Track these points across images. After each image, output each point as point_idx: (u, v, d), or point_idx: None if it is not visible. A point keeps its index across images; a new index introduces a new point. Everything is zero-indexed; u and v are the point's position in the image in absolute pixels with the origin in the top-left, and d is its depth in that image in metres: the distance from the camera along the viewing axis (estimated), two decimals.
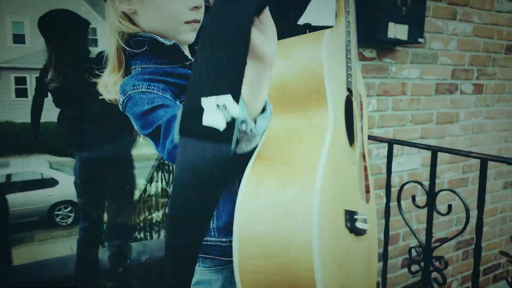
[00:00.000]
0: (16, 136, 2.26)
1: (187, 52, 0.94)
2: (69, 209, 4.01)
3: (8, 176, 2.83)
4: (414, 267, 1.72)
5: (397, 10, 2.10)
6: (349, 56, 1.00)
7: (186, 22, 0.88)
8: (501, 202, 3.16)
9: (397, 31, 2.12)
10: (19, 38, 2.33)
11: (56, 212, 3.74)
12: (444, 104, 2.66)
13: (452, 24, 2.60)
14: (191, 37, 0.92)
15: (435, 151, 1.59)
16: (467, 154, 1.51)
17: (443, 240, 1.60)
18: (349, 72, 1.00)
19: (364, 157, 1.15)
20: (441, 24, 2.54)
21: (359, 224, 0.84)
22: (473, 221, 1.48)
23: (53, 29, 1.95)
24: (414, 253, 1.73)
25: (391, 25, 2.09)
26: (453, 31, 2.61)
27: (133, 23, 0.89)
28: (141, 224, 3.26)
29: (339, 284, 0.74)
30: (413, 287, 1.81)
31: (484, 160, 1.40)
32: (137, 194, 3.23)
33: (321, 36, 0.89)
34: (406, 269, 2.47)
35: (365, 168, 1.15)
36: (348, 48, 1.00)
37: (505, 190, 3.16)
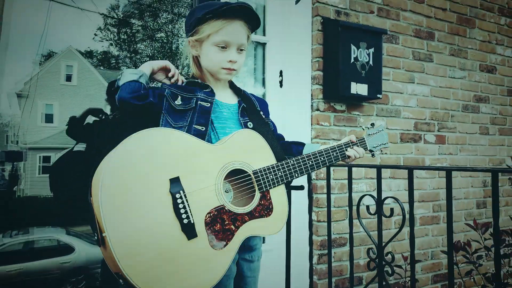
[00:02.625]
0: (39, 208, 2.52)
1: (216, 89, 1.53)
2: (81, 276, 4.08)
3: (26, 244, 2.78)
4: (372, 264, 2.12)
5: (357, 73, 2.73)
6: None
7: (223, 68, 1.47)
8: None
9: (358, 89, 2.73)
10: (48, 118, 2.73)
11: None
12: (409, 150, 3.18)
13: (411, 86, 3.22)
14: (225, 77, 1.50)
15: (379, 168, 2.09)
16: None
17: (389, 240, 2.04)
18: None
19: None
20: (400, 86, 3.15)
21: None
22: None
23: None
24: (371, 254, 2.15)
25: (353, 84, 2.71)
26: (412, 91, 3.22)
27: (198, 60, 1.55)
28: None
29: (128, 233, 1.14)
30: (374, 280, 2.16)
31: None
32: None
33: None
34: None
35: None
36: None
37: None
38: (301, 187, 2.08)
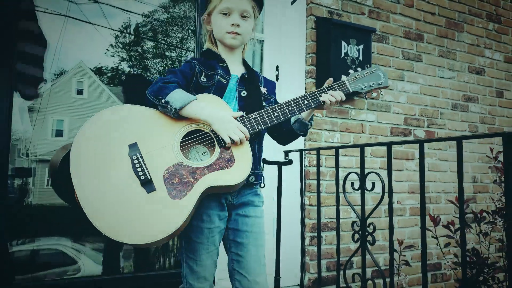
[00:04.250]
0: (44, 218, 2.60)
1: (228, 62, 1.67)
2: None
3: (30, 255, 2.66)
4: (356, 236, 2.29)
5: (347, 67, 2.94)
6: None
7: (227, 32, 1.61)
8: None
9: None
10: (58, 133, 2.79)
11: None
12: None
13: (401, 84, 3.42)
14: (231, 42, 1.63)
15: (362, 147, 2.28)
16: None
17: (371, 212, 2.21)
18: None
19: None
20: (391, 83, 3.36)
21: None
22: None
23: None
24: (355, 226, 2.32)
25: (343, 77, 2.90)
26: (402, 88, 3.42)
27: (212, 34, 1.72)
28: None
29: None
30: (357, 252, 2.30)
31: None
32: None
33: None
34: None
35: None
36: None
37: None
38: (289, 162, 2.27)
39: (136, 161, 1.42)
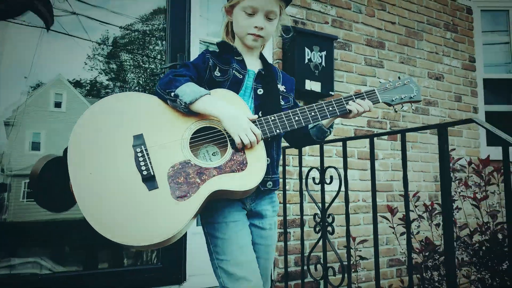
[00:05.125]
0: (23, 234, 2.54)
1: (245, 56, 1.55)
2: None
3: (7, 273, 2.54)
4: (317, 227, 2.45)
5: (311, 72, 3.13)
6: None
7: (249, 34, 1.48)
8: None
9: (312, 86, 3.12)
10: (35, 146, 2.74)
11: None
12: (363, 144, 3.55)
13: (364, 89, 3.62)
14: (252, 44, 1.50)
15: (322, 144, 2.45)
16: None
17: (330, 203, 2.38)
18: None
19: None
20: (354, 87, 3.56)
21: None
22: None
23: None
24: (317, 218, 2.48)
25: (307, 81, 3.10)
26: None
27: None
28: None
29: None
30: (318, 242, 2.45)
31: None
32: None
33: None
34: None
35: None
36: None
37: None
38: None
39: (140, 154, 1.31)
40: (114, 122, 1.35)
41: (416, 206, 2.62)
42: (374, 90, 1.55)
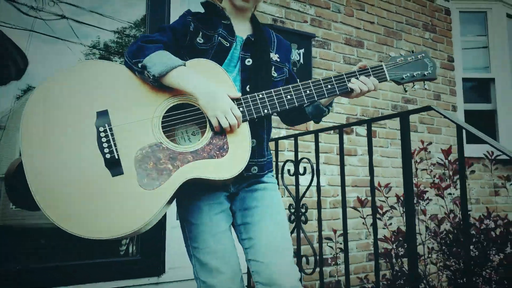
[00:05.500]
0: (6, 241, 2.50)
1: (234, 22, 1.36)
2: None
3: None
4: (292, 217, 2.51)
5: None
6: None
7: None
8: None
9: None
10: None
11: None
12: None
13: None
14: (241, 4, 1.33)
15: (296, 136, 2.52)
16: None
17: (304, 192, 2.44)
18: None
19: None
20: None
21: None
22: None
23: None
24: (291, 208, 2.54)
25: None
26: None
27: None
28: None
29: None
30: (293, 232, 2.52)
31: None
32: None
33: None
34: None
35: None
36: None
37: None
38: None
39: (103, 134, 1.14)
40: (75, 97, 1.17)
41: (387, 198, 2.69)
42: (381, 65, 1.34)
